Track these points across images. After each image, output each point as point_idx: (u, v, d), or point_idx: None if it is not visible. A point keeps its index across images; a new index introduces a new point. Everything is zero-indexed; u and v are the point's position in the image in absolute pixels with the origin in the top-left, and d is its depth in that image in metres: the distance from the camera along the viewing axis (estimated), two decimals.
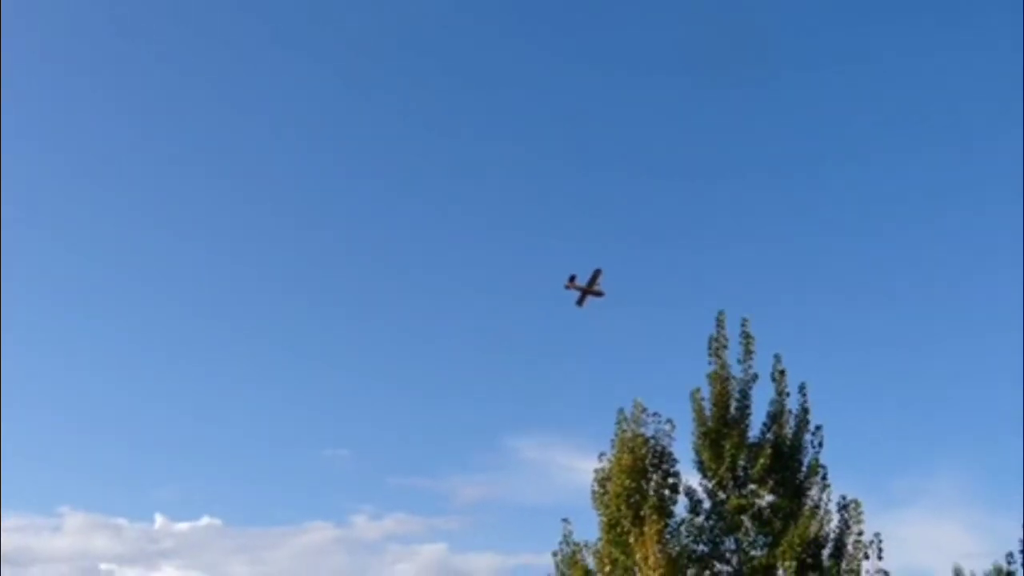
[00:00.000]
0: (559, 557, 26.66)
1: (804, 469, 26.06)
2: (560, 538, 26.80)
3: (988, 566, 32.98)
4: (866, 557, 25.06)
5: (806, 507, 25.58)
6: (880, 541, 25.06)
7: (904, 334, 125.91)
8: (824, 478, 25.87)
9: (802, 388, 26.78)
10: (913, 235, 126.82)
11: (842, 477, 26.46)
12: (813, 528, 25.20)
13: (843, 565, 25.09)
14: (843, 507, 25.60)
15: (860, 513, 25.36)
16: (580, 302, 45.15)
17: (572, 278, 46.94)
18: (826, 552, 25.37)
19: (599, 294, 47.29)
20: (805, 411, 26.57)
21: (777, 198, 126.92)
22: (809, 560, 25.11)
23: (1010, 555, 29.15)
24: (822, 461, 26.03)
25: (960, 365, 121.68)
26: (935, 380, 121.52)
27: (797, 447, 26.25)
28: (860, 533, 25.20)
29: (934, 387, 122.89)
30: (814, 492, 25.80)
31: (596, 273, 46.83)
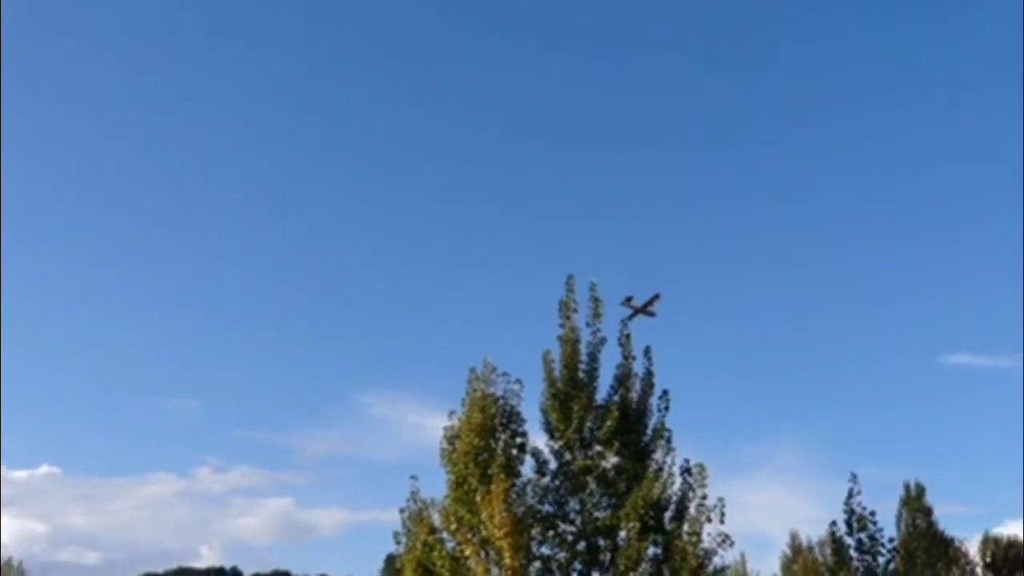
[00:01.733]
0: (406, 514, 26.42)
1: (649, 432, 26.45)
2: (407, 495, 26.56)
3: (823, 532, 34.02)
4: (708, 520, 25.58)
5: (650, 470, 25.95)
6: (723, 505, 25.62)
7: (755, 306, 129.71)
8: (669, 441, 26.31)
9: (647, 352, 27.15)
10: (766, 208, 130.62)
11: (689, 442, 26.98)
12: (657, 490, 25.57)
13: (685, 528, 25.54)
14: (687, 471, 26.10)
15: (704, 477, 25.88)
16: (631, 318, 47.86)
17: (629, 299, 47.08)
18: (669, 514, 25.82)
19: (651, 315, 48.94)
20: (651, 375, 26.93)
21: (631, 168, 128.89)
22: (652, 522, 25.51)
23: (834, 523, 30.21)
24: (668, 425, 26.48)
25: (807, 339, 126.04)
26: (783, 352, 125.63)
27: (643, 410, 26.61)
28: (703, 497, 25.70)
29: (781, 359, 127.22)
30: (659, 455, 26.20)
31: (655, 297, 47.86)
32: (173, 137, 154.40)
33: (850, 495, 30.42)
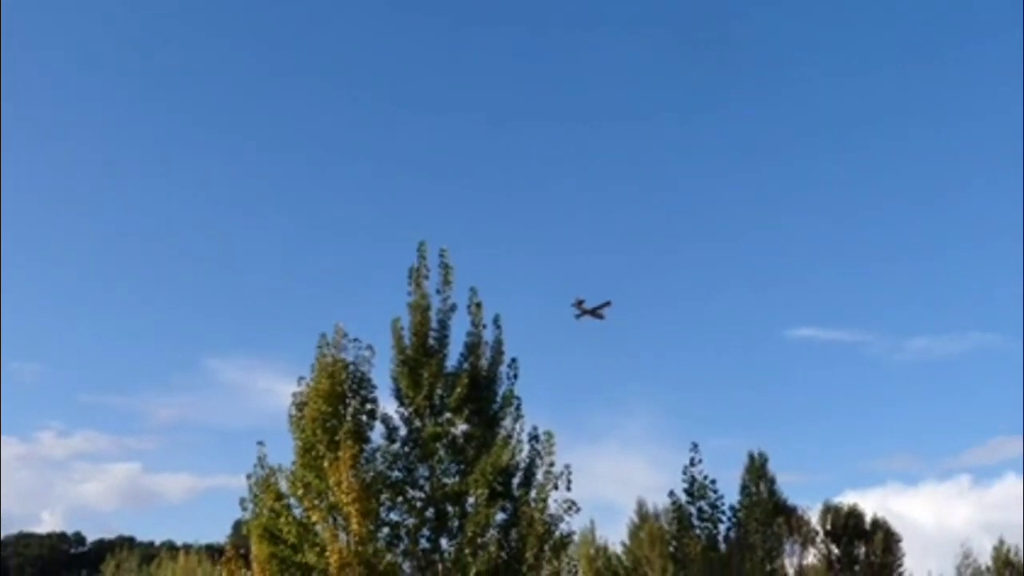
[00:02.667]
0: (253, 480, 26.21)
1: (499, 400, 26.62)
2: (255, 461, 26.34)
3: (668, 500, 34.47)
4: (555, 487, 25.91)
5: (499, 437, 26.16)
6: (569, 472, 25.98)
7: (608, 277, 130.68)
8: (518, 409, 26.53)
9: (496, 320, 27.27)
10: (622, 182, 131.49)
11: (539, 410, 27.26)
12: (505, 457, 25.79)
13: (532, 494, 25.86)
14: (535, 438, 26.35)
15: (551, 444, 26.16)
16: (578, 317, 54.70)
17: (580, 302, 55.26)
18: (517, 481, 26.10)
19: (600, 317, 55.07)
20: (500, 343, 27.08)
21: (482, 135, 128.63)
22: (500, 488, 25.73)
23: (672, 492, 30.86)
24: (517, 392, 26.69)
25: (657, 311, 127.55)
26: (635, 324, 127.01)
27: (493, 378, 26.77)
28: (551, 464, 26.00)
29: (633, 330, 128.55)
30: (508, 422, 26.42)
31: (606, 303, 55.09)
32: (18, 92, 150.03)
33: (691, 463, 31.12)
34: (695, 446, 31.63)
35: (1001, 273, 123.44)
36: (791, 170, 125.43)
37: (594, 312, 56.81)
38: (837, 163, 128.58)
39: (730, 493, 33.51)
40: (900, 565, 71.99)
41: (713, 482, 31.79)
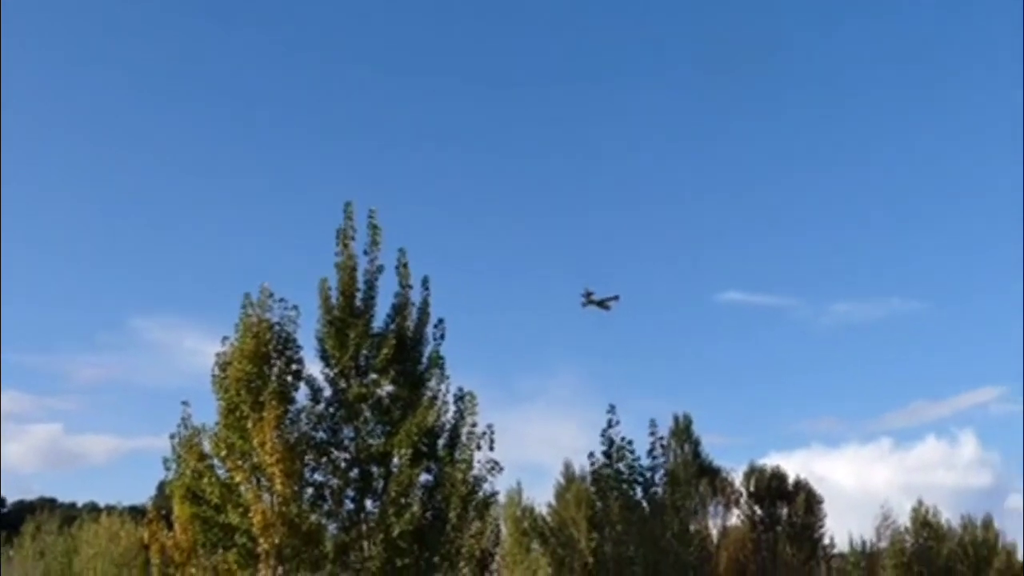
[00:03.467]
0: (176, 440, 26.09)
1: (425, 361, 26.62)
2: (179, 421, 26.19)
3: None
4: (479, 447, 26.06)
5: (425, 398, 26.19)
6: (492, 433, 26.15)
7: (533, 239, 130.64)
8: (443, 370, 26.56)
9: (425, 282, 27.20)
10: (543, 145, 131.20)
11: (467, 372, 27.31)
12: (430, 418, 25.84)
13: (456, 454, 25.96)
14: (460, 399, 26.42)
15: (475, 405, 26.27)
16: (585, 306, 56.72)
17: (589, 293, 57.54)
18: (442, 442, 26.18)
19: (607, 308, 57.57)
20: (427, 304, 27.04)
21: (412, 96, 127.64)
22: (425, 448, 25.80)
23: (592, 454, 31.16)
24: (443, 354, 26.70)
25: (584, 273, 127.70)
26: (557, 287, 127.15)
27: (419, 339, 26.75)
28: (474, 424, 26.13)
29: (556, 294, 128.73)
30: (434, 383, 26.44)
31: (614, 297, 57.68)
32: None
33: (609, 425, 31.46)
34: (612, 408, 31.97)
35: (922, 240, 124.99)
36: (718, 138, 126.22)
37: (601, 303, 58.76)
38: (763, 130, 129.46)
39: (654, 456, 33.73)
40: (821, 525, 73.09)
41: (630, 443, 32.18)
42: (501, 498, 44.77)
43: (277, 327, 25.95)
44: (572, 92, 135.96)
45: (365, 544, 25.60)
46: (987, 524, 76.40)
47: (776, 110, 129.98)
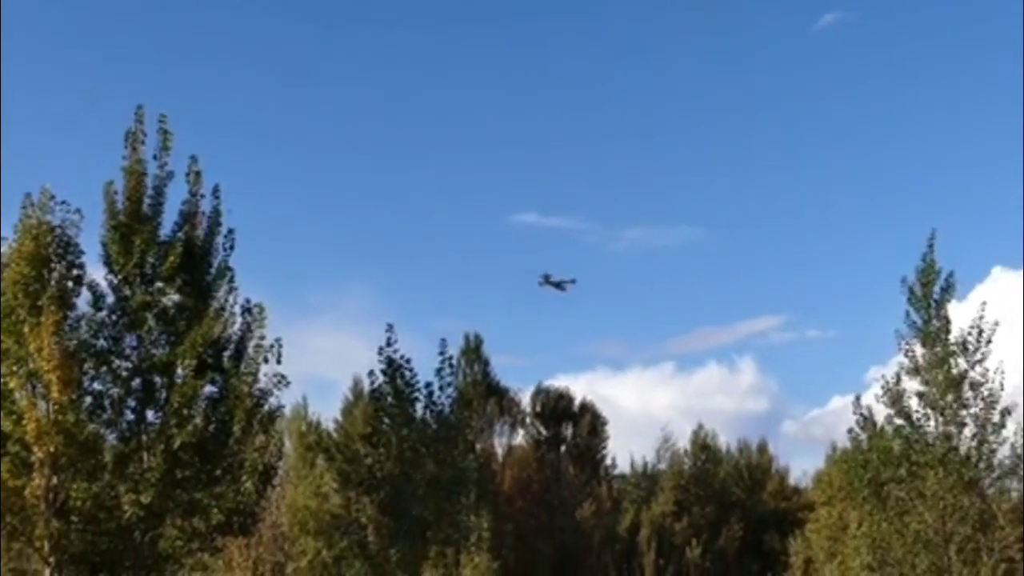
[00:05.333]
0: None
1: (213, 271, 26.20)
2: None
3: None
4: (265, 361, 25.92)
5: (211, 308, 25.82)
6: (280, 346, 26.06)
7: (334, 155, 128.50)
8: (232, 281, 26.22)
9: (216, 191, 26.67)
10: (338, 57, 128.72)
11: (256, 283, 26.91)
12: (216, 329, 25.57)
13: (242, 367, 25.81)
14: (248, 311, 26.15)
15: (264, 318, 26.12)
16: (541, 285, 62.87)
17: (547, 276, 62.93)
18: (228, 354, 25.95)
19: (562, 290, 63.42)
20: (218, 213, 26.55)
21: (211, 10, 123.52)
22: (210, 360, 25.53)
23: (372, 372, 31.61)
24: (232, 264, 26.33)
25: (378, 189, 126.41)
26: (353, 199, 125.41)
27: (208, 249, 26.29)
28: (262, 337, 26.03)
29: (352, 205, 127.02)
30: (221, 294, 26.10)
31: (571, 281, 63.49)
32: None
33: (388, 344, 31.69)
34: (391, 327, 32.21)
35: (713, 168, 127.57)
36: (517, 58, 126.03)
37: (558, 285, 64.56)
38: (558, 50, 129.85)
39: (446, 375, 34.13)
40: (604, 447, 74.65)
41: (408, 362, 32.48)
42: (287, 412, 44.44)
43: (58, 230, 25.03)
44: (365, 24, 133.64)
45: (145, 455, 25.18)
46: (762, 448, 79.26)
47: (573, 30, 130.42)
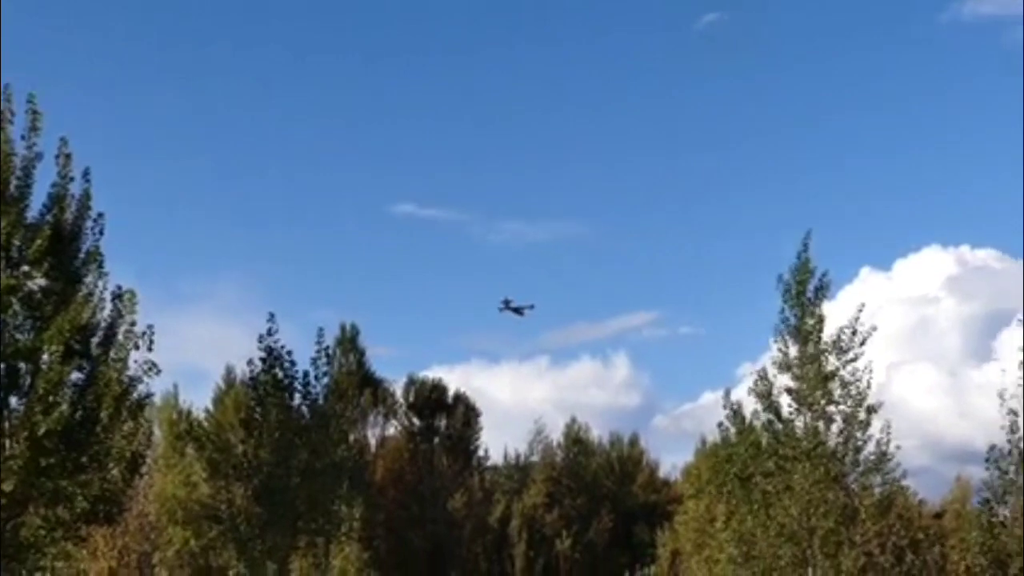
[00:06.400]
0: None
1: (82, 255, 25.61)
2: None
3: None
4: (136, 348, 25.45)
5: (80, 294, 25.23)
6: (151, 333, 25.62)
7: (210, 137, 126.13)
8: (101, 266, 25.66)
9: (86, 174, 26.06)
10: (215, 45, 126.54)
11: (128, 270, 26.44)
12: (84, 315, 25.00)
13: (112, 354, 25.29)
14: (118, 297, 25.64)
15: (134, 304, 25.60)
16: (501, 311, 68.86)
17: (508, 301, 67.80)
18: (96, 340, 25.41)
19: (521, 314, 68.72)
20: (88, 197, 25.95)
21: None
22: (77, 346, 24.96)
23: (251, 361, 31.36)
24: (102, 249, 25.75)
25: (258, 178, 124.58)
26: (231, 186, 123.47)
27: (77, 233, 25.68)
28: (133, 324, 25.51)
29: (227, 193, 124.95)
30: (90, 279, 25.54)
31: (530, 306, 68.69)
32: None
33: (268, 333, 31.54)
34: (272, 316, 32.08)
35: (592, 165, 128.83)
36: (394, 46, 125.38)
37: (517, 310, 69.18)
38: (443, 43, 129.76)
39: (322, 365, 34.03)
40: (478, 438, 74.97)
41: (289, 353, 32.37)
42: (157, 400, 43.82)
43: None
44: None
45: (8, 442, 24.52)
46: (633, 441, 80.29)
47: (455, 26, 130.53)
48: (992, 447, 32.10)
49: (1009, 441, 31.64)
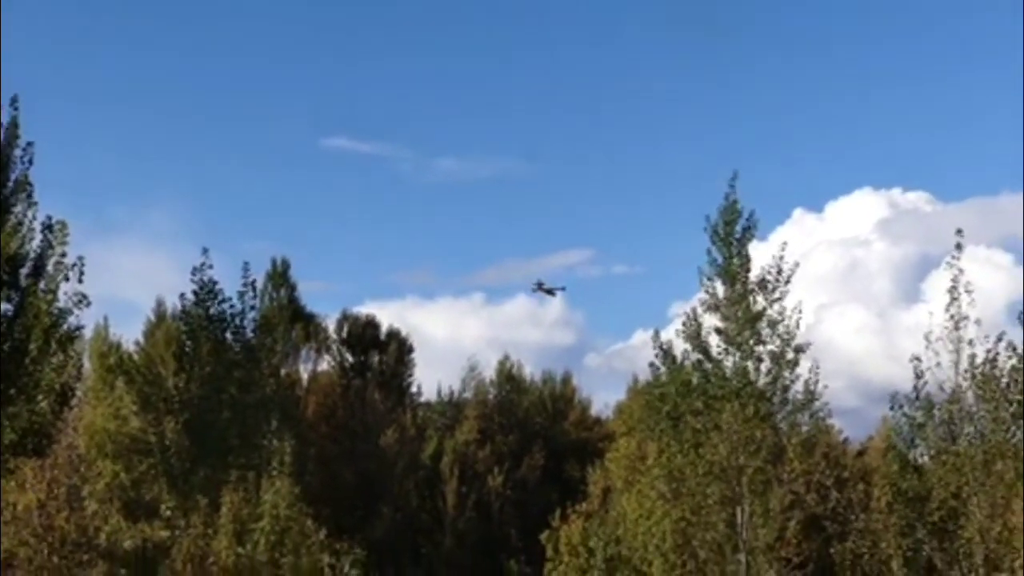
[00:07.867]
0: None
1: (11, 185, 25.25)
2: None
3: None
4: (66, 279, 25.18)
5: (9, 224, 24.94)
6: (82, 265, 25.31)
7: (145, 71, 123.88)
8: (31, 196, 25.34)
9: (14, 101, 25.67)
10: None
11: (57, 199, 26.02)
12: (13, 245, 24.75)
13: (42, 285, 25.01)
14: (48, 227, 25.32)
15: (65, 235, 25.30)
16: (534, 291, 74.55)
17: (540, 283, 73.72)
18: (25, 271, 25.12)
19: (552, 295, 75.85)
20: (16, 125, 25.55)
21: None
22: (6, 277, 24.72)
23: (183, 294, 31.04)
24: (31, 178, 25.39)
25: (190, 108, 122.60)
26: (164, 122, 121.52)
27: (5, 162, 25.33)
28: (63, 255, 25.20)
29: (159, 128, 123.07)
30: (19, 209, 25.20)
31: (561, 287, 74.67)
32: None
33: (201, 267, 31.37)
34: (206, 251, 31.88)
35: (526, 102, 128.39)
36: None
37: (549, 291, 75.14)
38: None
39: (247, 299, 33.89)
40: (411, 375, 74.91)
41: (221, 288, 32.24)
42: (87, 333, 43.34)
43: None
44: None
45: None
46: (566, 380, 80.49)
47: None
48: (895, 393, 32.46)
49: (915, 387, 31.93)
